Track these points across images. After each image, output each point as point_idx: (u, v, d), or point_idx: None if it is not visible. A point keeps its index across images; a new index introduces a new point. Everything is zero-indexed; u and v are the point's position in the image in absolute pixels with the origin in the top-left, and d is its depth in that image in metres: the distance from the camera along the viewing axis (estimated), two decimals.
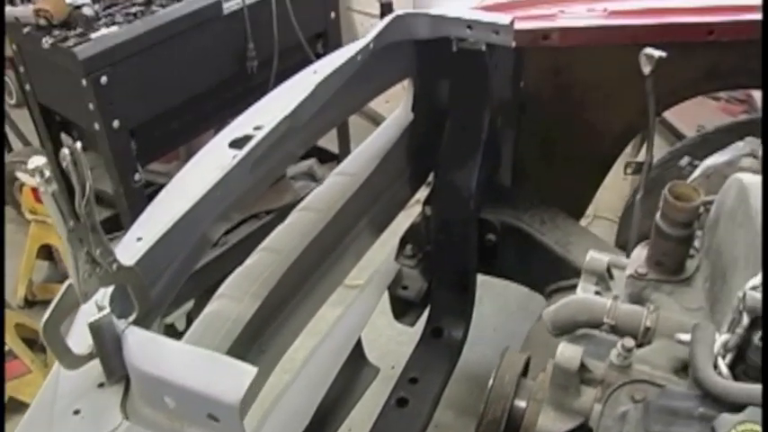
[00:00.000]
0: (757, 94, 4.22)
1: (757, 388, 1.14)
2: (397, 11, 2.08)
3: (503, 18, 2.00)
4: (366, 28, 5.24)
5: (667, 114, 4.17)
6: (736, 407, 1.13)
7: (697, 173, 1.91)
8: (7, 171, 4.08)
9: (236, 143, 1.58)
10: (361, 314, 2.34)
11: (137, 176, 3.05)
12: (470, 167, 2.32)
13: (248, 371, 1.08)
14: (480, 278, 2.62)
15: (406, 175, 2.43)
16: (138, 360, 1.17)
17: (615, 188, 3.83)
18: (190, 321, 2.87)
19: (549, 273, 2.34)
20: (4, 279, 3.38)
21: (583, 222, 3.07)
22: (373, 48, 1.88)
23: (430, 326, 2.67)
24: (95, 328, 1.16)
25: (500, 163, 2.57)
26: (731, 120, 2.87)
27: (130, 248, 1.33)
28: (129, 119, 2.93)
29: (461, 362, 2.69)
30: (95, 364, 1.21)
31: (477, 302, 2.72)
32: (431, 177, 2.48)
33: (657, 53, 1.79)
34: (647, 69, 1.82)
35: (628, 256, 1.68)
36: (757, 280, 1.22)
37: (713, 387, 1.16)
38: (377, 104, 3.55)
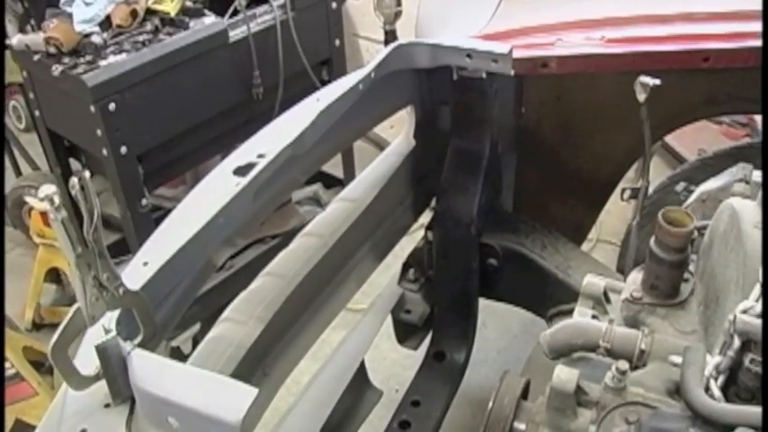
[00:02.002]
0: (759, 119, 4.24)
1: (746, 409, 1.17)
2: (399, 40, 2.12)
3: (501, 47, 2.03)
4: (371, 53, 5.31)
5: (669, 138, 4.19)
6: (727, 428, 1.16)
7: (692, 198, 1.93)
8: (16, 195, 4.13)
9: (240, 170, 1.60)
10: (365, 338, 2.36)
11: (144, 201, 3.07)
12: (472, 193, 2.33)
13: (249, 392, 1.11)
14: (484, 302, 2.63)
15: (409, 201, 2.46)
16: (142, 381, 1.20)
17: (618, 212, 3.84)
18: (196, 344, 2.89)
19: (549, 297, 2.34)
20: (4, 298, 3.39)
21: (586, 246, 3.08)
22: (374, 77, 1.92)
23: (432, 349, 2.66)
24: (102, 351, 1.20)
25: (501, 188, 2.59)
26: (730, 144, 2.89)
27: (137, 273, 1.37)
28: (136, 145, 2.95)
29: (465, 384, 2.69)
30: (102, 386, 1.24)
31: (481, 326, 2.73)
32: (433, 203, 2.50)
33: (652, 81, 1.82)
34: (641, 97, 1.85)
35: (625, 280, 1.71)
36: (748, 303, 1.25)
37: (703, 408, 1.19)
38: (381, 129, 3.58)
